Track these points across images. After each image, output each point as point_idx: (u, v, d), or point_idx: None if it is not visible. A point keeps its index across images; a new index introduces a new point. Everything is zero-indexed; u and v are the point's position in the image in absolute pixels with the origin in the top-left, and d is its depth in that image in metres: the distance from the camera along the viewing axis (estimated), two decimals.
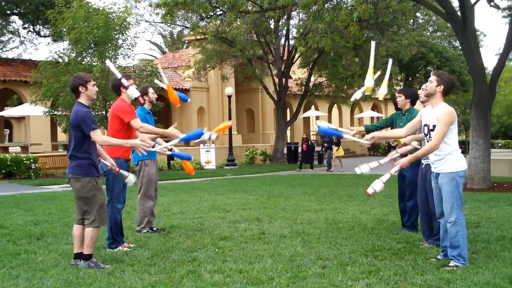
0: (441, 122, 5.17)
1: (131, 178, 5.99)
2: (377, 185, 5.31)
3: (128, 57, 20.72)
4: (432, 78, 5.36)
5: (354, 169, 5.95)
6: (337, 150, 22.81)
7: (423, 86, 6.30)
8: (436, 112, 5.28)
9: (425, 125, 5.40)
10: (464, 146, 33.74)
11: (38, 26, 27.88)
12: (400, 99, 7.01)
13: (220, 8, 21.90)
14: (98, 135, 5.34)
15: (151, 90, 7.27)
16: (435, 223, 6.01)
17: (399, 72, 32.49)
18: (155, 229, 7.35)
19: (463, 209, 5.34)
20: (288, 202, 10.59)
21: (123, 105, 6.23)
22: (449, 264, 5.15)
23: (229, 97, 25.58)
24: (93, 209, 5.38)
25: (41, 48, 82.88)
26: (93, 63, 19.37)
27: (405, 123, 6.89)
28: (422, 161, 6.28)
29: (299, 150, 25.59)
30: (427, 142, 5.38)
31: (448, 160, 5.26)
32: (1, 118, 28.44)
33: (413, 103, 7.02)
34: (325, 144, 22.78)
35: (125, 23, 19.68)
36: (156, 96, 7.41)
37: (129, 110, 6.20)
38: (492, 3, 16.08)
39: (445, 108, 5.24)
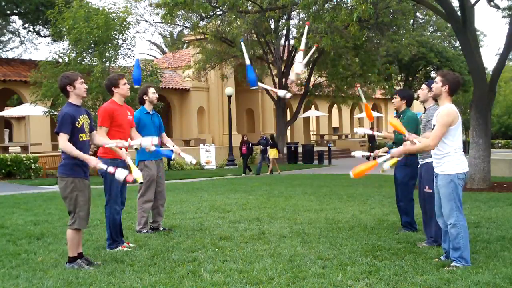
0: (439, 123, 5.12)
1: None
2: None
3: (128, 57, 20.76)
4: (437, 78, 5.29)
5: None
6: (273, 153, 21.23)
7: (422, 86, 6.33)
8: (437, 112, 5.26)
9: (433, 125, 5.38)
10: (464, 146, 33.79)
11: (38, 26, 27.88)
12: (396, 100, 7.00)
13: (220, 8, 21.90)
14: (62, 140, 5.17)
15: (151, 90, 7.21)
16: (432, 223, 6.05)
17: (399, 72, 32.51)
18: (161, 228, 7.35)
19: (463, 210, 5.32)
20: (288, 202, 10.59)
21: (104, 108, 6.22)
22: (451, 265, 5.14)
23: (229, 97, 25.58)
24: (74, 210, 5.31)
25: (41, 48, 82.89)
26: (93, 63, 19.39)
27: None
28: (419, 161, 6.30)
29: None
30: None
31: (447, 162, 5.20)
32: (1, 118, 28.43)
33: (408, 104, 7.00)
34: (261, 146, 21.39)
35: (125, 23, 19.70)
36: (157, 96, 7.33)
37: (103, 117, 6.13)
38: (492, 3, 16.09)
39: (445, 108, 5.17)
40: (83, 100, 5.57)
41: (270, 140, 21.33)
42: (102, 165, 5.26)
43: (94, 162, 5.25)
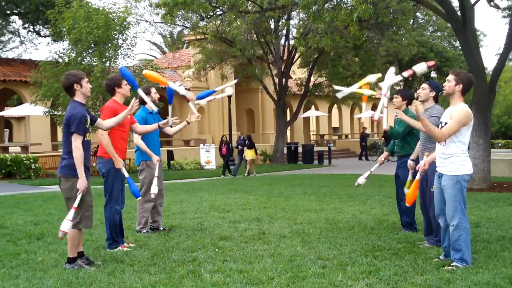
0: (454, 119, 5.07)
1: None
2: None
3: (128, 57, 20.75)
4: (450, 77, 5.23)
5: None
6: (251, 154, 20.71)
7: (423, 85, 6.31)
8: (451, 110, 5.18)
9: (440, 122, 5.35)
10: None
11: (38, 26, 27.88)
12: (397, 100, 7.00)
13: (220, 8, 21.91)
14: (76, 141, 5.17)
15: (153, 90, 7.24)
16: (435, 223, 6.01)
17: (399, 72, 32.53)
18: (161, 228, 7.35)
19: (466, 212, 5.30)
20: (288, 202, 10.59)
21: (107, 106, 6.21)
22: (451, 264, 5.14)
23: (229, 97, 25.52)
24: (79, 210, 5.28)
25: (41, 48, 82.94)
26: (93, 63, 19.38)
27: (400, 125, 6.90)
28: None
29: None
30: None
31: (453, 162, 5.17)
32: (1, 118, 28.43)
33: (408, 104, 7.01)
34: (239, 146, 21.13)
35: (125, 23, 19.69)
36: (159, 96, 7.36)
37: (107, 112, 6.10)
38: (492, 3, 16.10)
39: (462, 107, 5.14)
40: (87, 100, 5.57)
41: (247, 141, 21.02)
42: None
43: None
